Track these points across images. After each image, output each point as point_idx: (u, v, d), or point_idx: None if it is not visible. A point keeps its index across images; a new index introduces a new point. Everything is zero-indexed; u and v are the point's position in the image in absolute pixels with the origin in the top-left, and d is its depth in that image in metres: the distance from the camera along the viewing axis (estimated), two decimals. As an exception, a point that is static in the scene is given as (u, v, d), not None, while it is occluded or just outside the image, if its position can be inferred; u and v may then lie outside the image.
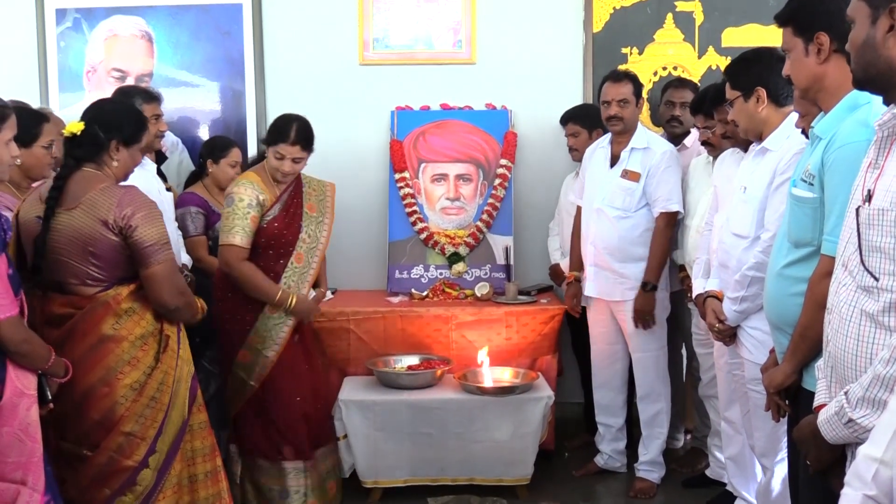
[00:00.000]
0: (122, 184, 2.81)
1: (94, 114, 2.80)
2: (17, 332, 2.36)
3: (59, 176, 2.71)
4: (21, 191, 3.11)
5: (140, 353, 2.74)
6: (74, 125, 2.72)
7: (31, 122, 3.03)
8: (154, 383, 2.77)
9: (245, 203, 3.54)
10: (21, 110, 2.91)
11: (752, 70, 3.00)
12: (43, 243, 2.65)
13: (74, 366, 2.63)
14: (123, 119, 2.84)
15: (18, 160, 2.58)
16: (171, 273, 2.76)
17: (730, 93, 3.08)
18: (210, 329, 4.22)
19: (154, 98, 3.87)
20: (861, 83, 1.84)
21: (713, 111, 3.59)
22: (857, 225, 1.74)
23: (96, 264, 2.68)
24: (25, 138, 2.84)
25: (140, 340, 2.74)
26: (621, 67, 4.75)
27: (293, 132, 3.62)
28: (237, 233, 3.53)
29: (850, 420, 1.66)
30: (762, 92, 2.98)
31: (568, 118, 4.55)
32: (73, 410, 2.68)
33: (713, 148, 3.70)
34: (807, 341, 2.21)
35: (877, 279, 1.69)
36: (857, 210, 1.74)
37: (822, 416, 1.76)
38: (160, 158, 4.60)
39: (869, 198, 1.72)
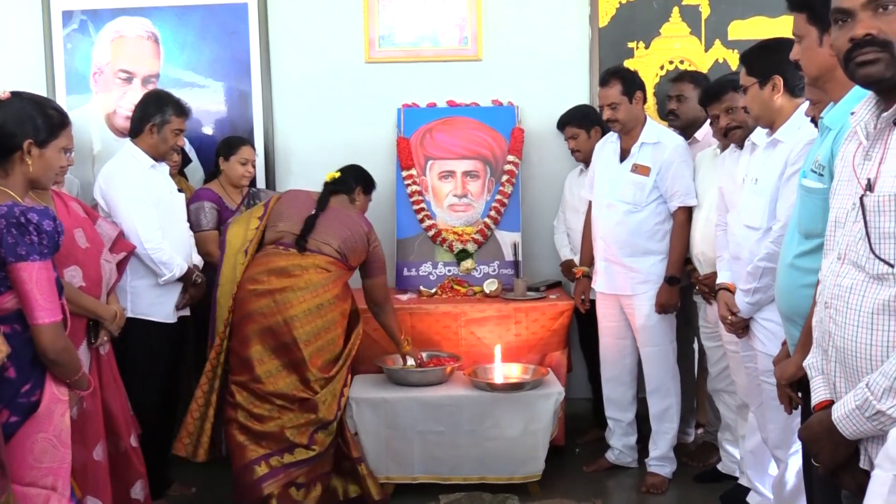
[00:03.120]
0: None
1: (349, 169, 4.11)
2: (58, 340, 2.37)
3: (324, 193, 3.89)
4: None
5: (339, 324, 3.72)
6: (332, 174, 4.01)
7: None
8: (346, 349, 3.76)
9: None
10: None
11: (771, 58, 2.96)
12: (312, 225, 3.71)
13: (302, 314, 3.58)
14: (367, 177, 4.17)
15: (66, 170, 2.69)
16: (386, 285, 3.99)
17: (745, 79, 3.04)
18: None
19: (185, 113, 3.88)
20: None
21: (716, 99, 3.56)
22: (864, 214, 1.69)
23: (347, 247, 3.72)
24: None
25: (343, 315, 3.75)
26: (627, 62, 4.74)
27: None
28: None
29: (878, 412, 1.62)
30: (778, 80, 2.95)
31: (565, 122, 4.54)
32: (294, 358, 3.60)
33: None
34: None
35: (892, 265, 1.65)
36: (862, 200, 1.70)
37: (840, 412, 1.70)
38: (185, 162, 4.62)
39: (870, 187, 1.69)
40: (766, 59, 3.00)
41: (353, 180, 4.05)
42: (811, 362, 1.93)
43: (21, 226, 2.28)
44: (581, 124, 4.45)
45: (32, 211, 2.32)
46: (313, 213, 3.75)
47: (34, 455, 2.35)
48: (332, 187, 3.93)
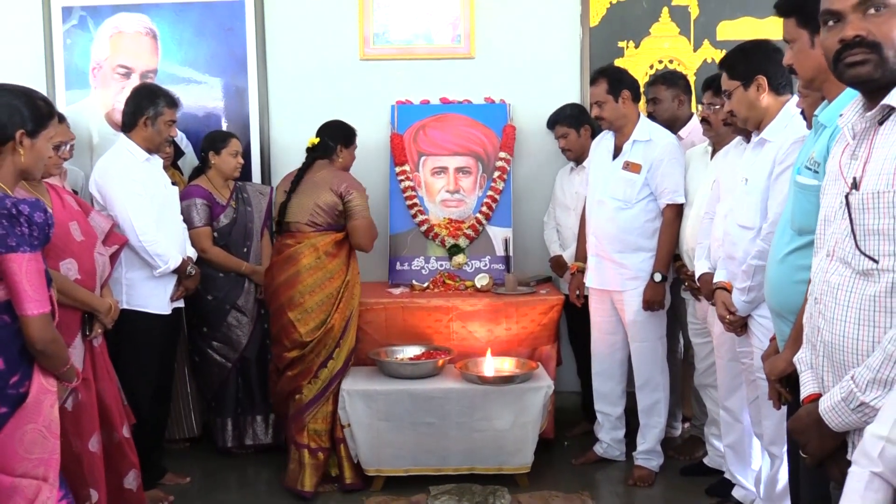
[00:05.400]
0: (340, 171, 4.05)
1: (325, 129, 4.10)
2: (47, 331, 2.32)
3: (303, 165, 4.04)
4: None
5: (328, 282, 3.88)
6: (312, 140, 4.07)
7: None
8: (336, 313, 3.88)
9: None
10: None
11: (752, 59, 2.92)
12: (287, 202, 3.93)
13: (282, 282, 3.86)
14: (345, 130, 4.13)
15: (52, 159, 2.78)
16: (368, 226, 3.97)
17: (728, 83, 3.00)
18: (217, 319, 4.17)
19: (176, 105, 3.83)
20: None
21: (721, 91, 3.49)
22: (849, 211, 1.69)
23: (319, 213, 3.87)
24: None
25: (330, 273, 3.89)
26: (617, 61, 4.69)
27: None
28: None
29: (862, 404, 1.61)
30: (763, 80, 2.91)
31: (554, 121, 4.49)
32: (276, 318, 3.93)
33: (710, 127, 3.62)
34: None
35: (876, 261, 1.65)
36: (847, 197, 1.70)
37: (826, 404, 1.70)
38: (177, 154, 4.55)
39: (856, 185, 1.69)
40: (747, 60, 2.95)
41: (331, 140, 4.07)
42: (801, 357, 1.93)
43: (12, 217, 2.23)
44: (571, 123, 4.39)
45: (24, 203, 2.27)
46: (285, 198, 3.98)
47: (24, 446, 2.30)
48: (312, 155, 4.05)
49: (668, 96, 4.20)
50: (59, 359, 2.41)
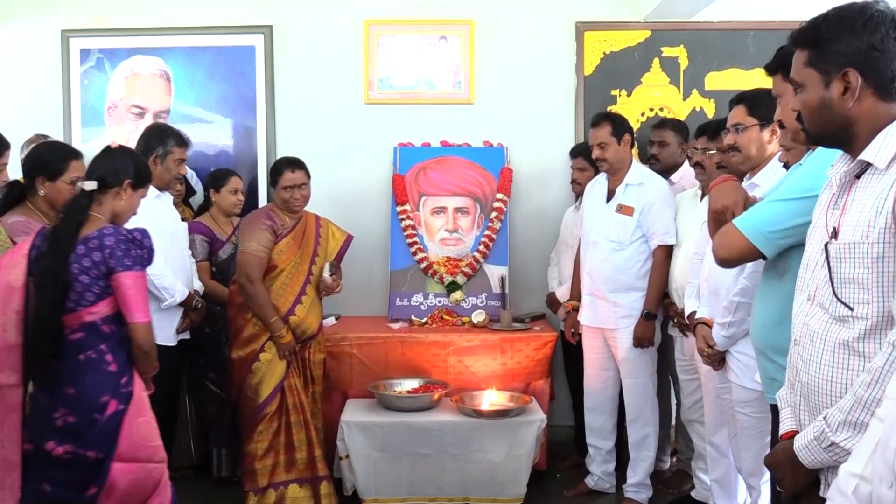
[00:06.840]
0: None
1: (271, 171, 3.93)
2: (151, 335, 2.68)
3: None
4: (49, 219, 3.06)
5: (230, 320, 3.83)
6: None
7: (58, 158, 3.15)
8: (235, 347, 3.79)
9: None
10: (50, 145, 3.40)
11: (776, 106, 2.93)
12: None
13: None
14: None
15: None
16: (241, 262, 3.69)
17: (745, 118, 2.96)
18: (214, 351, 4.16)
19: (185, 144, 3.86)
20: (819, 139, 1.85)
21: (716, 137, 3.51)
22: (828, 260, 1.72)
23: None
24: (51, 172, 3.09)
25: (234, 312, 3.80)
26: (610, 108, 4.73)
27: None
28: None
29: (832, 444, 1.64)
30: (778, 128, 2.91)
31: (579, 152, 4.47)
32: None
33: (703, 171, 3.64)
34: None
35: (851, 308, 1.68)
36: (826, 246, 1.73)
37: (800, 442, 1.72)
38: (189, 192, 4.58)
39: (835, 234, 1.72)
40: (773, 105, 2.95)
41: (272, 182, 3.91)
42: (781, 394, 1.94)
43: (129, 241, 2.61)
44: (592, 162, 4.37)
45: (136, 230, 2.67)
46: None
47: (142, 435, 2.65)
48: None
49: (675, 141, 4.25)
50: (152, 363, 2.74)
